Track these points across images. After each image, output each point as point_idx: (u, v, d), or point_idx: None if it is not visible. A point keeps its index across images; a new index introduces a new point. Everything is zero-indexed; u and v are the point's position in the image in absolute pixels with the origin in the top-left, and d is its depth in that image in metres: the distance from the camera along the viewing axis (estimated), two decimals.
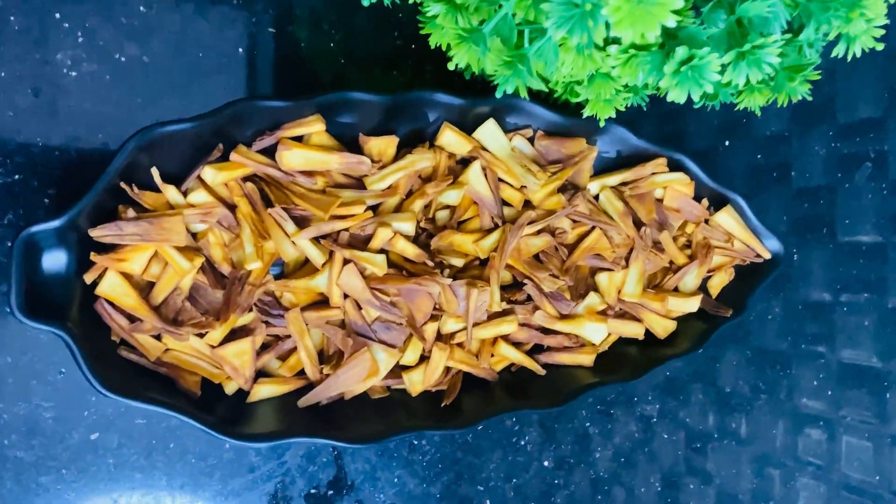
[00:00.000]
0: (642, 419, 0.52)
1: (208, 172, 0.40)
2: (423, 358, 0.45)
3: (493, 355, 0.46)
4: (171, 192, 0.40)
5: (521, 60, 0.35)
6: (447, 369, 0.45)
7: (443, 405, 0.44)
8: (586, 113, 0.42)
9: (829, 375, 0.54)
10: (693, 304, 0.48)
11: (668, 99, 0.37)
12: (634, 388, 0.52)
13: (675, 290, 0.49)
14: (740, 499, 0.53)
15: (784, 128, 0.54)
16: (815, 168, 0.54)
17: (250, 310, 0.41)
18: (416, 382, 0.44)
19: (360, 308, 0.42)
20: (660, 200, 0.49)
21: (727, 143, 0.53)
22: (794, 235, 0.54)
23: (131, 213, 0.39)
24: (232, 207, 0.41)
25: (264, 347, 0.43)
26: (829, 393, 0.53)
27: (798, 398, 0.53)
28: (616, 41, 0.37)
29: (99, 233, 0.38)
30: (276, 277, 0.43)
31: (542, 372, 0.47)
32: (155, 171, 0.39)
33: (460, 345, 0.45)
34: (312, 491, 0.46)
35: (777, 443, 0.54)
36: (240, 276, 0.40)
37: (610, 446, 0.51)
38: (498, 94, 0.37)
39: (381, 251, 0.43)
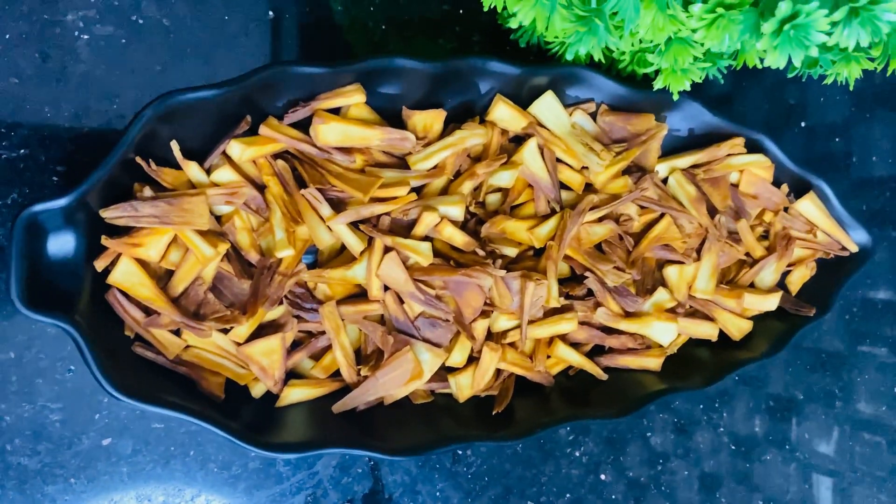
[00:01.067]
0: (710, 429, 0.47)
1: (235, 148, 0.36)
2: (472, 359, 0.40)
3: (549, 357, 0.41)
4: (192, 169, 0.36)
5: (599, 16, 0.30)
6: (498, 372, 0.40)
7: (494, 413, 0.39)
8: (658, 84, 0.38)
9: (888, 380, 0.49)
10: (772, 302, 0.43)
11: (766, 64, 0.32)
12: (701, 395, 0.47)
13: (752, 285, 0.44)
14: None
15: (846, 114, 0.48)
16: (881, 156, 0.49)
17: (280, 303, 0.37)
18: (464, 387, 0.40)
19: (402, 302, 0.38)
20: (735, 185, 0.44)
21: (817, 128, 0.48)
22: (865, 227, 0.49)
23: (148, 191, 0.34)
24: (261, 188, 0.37)
25: (295, 345, 0.38)
26: (889, 399, 0.48)
27: (856, 403, 0.48)
28: None
29: (111, 213, 0.33)
30: (310, 267, 0.38)
31: (604, 377, 0.42)
32: (175, 145, 0.35)
33: (513, 345, 0.40)
34: None
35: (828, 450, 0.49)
36: (269, 265, 0.36)
37: (674, 459, 0.46)
38: (569, 56, 0.32)
39: (426, 238, 0.38)
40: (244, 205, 0.36)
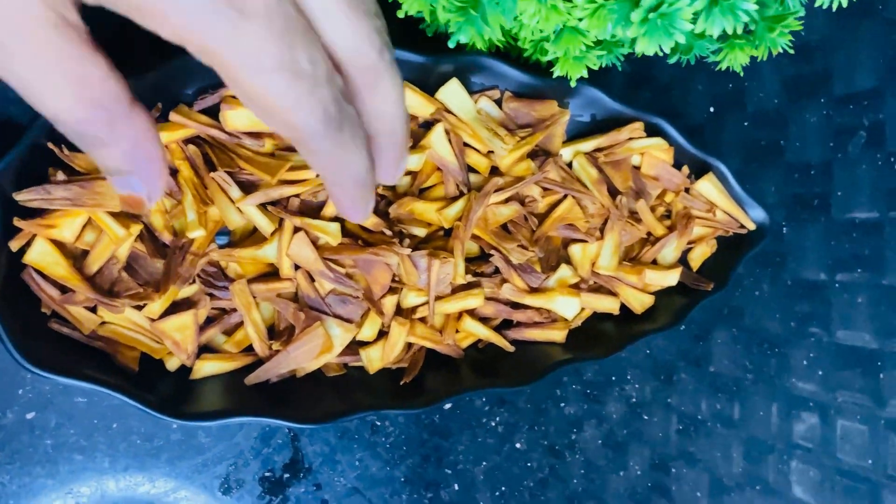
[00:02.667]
0: (622, 400, 0.50)
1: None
2: (382, 334, 0.42)
3: (458, 331, 0.44)
4: None
5: (475, 6, 0.33)
6: (408, 346, 0.43)
7: (402, 383, 0.42)
8: (556, 72, 0.40)
9: (823, 356, 0.52)
10: (672, 278, 0.46)
11: (636, 51, 0.35)
12: (614, 367, 0.50)
13: (654, 262, 0.47)
14: (727, 483, 0.51)
15: (777, 99, 0.51)
16: (810, 141, 0.52)
17: (193, 281, 0.39)
18: (374, 359, 0.42)
19: (312, 280, 0.40)
20: (637, 168, 0.46)
21: (718, 114, 0.50)
22: (787, 211, 0.51)
23: (61, 175, 0.37)
24: (173, 172, 0.39)
25: (209, 322, 0.40)
26: (823, 374, 0.51)
27: (791, 380, 0.51)
28: None
29: (25, 196, 0.35)
30: (225, 248, 0.40)
31: (511, 348, 0.44)
32: None
33: (423, 320, 0.43)
34: (267, 474, 0.44)
35: (770, 426, 0.51)
36: (181, 245, 0.38)
37: (588, 428, 0.49)
38: (450, 44, 0.34)
39: (335, 219, 0.40)
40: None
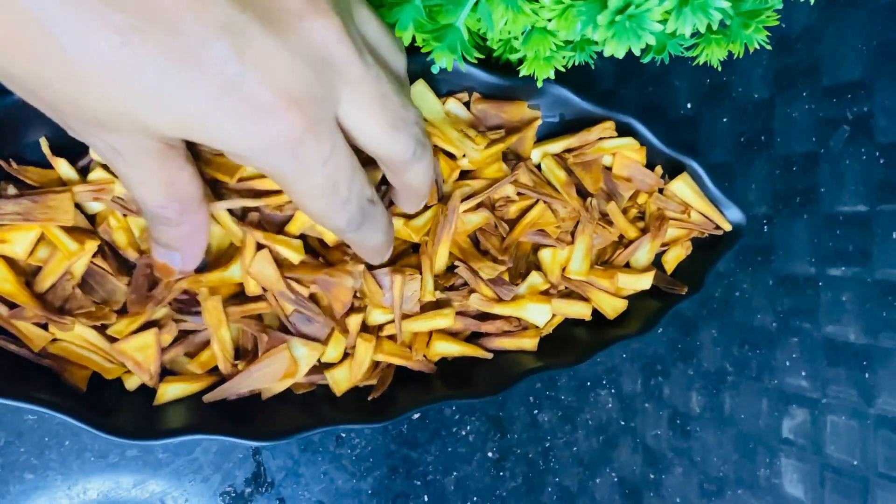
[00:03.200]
0: (598, 405, 0.49)
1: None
2: (348, 354, 0.41)
3: (428, 345, 0.42)
4: (62, 167, 0.37)
5: (452, 32, 0.32)
6: (376, 363, 0.41)
7: (370, 398, 0.40)
8: (523, 72, 0.39)
9: (811, 352, 0.51)
10: (645, 281, 0.45)
11: (606, 53, 0.34)
12: (590, 371, 0.48)
13: (627, 266, 0.46)
14: (716, 481, 0.50)
15: (758, 93, 0.50)
16: (794, 135, 0.50)
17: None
18: (340, 381, 0.41)
19: (276, 300, 0.39)
20: (608, 168, 0.45)
21: (698, 110, 0.49)
22: (772, 205, 0.50)
23: (12, 190, 0.35)
24: None
25: (173, 342, 0.39)
26: (812, 370, 0.50)
27: (781, 376, 0.50)
28: None
29: None
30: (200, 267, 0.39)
31: (489, 356, 0.43)
32: (44, 142, 0.36)
33: (391, 337, 0.41)
34: (228, 489, 0.43)
35: (759, 422, 0.50)
36: (149, 263, 0.37)
37: (562, 434, 0.48)
38: (434, 70, 0.33)
39: (301, 236, 0.39)
40: (121, 205, 0.37)
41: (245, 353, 0.40)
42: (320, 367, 0.41)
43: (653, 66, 0.48)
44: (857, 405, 0.51)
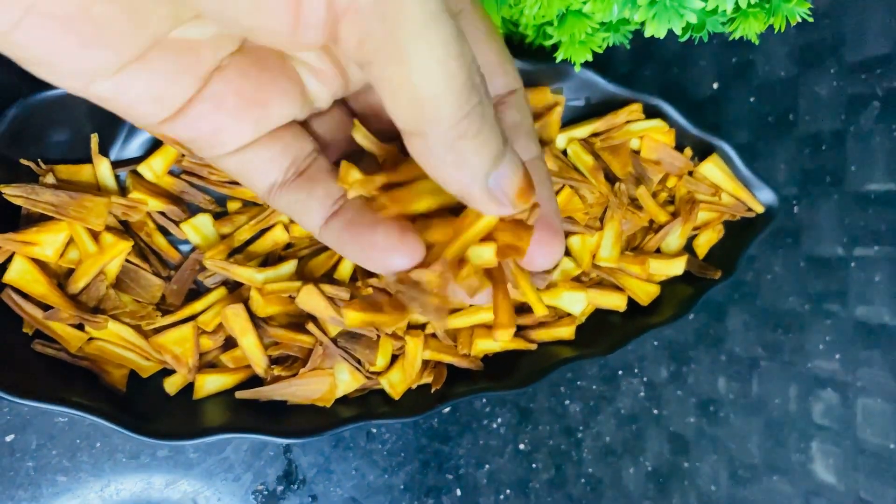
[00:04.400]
0: (630, 393, 0.48)
1: (146, 171, 0.37)
2: (395, 358, 0.41)
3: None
4: (103, 168, 0.37)
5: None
6: (424, 364, 0.41)
7: (433, 391, 0.40)
8: (559, 57, 0.38)
9: (842, 335, 0.50)
10: (678, 267, 0.45)
11: (646, 34, 0.33)
12: (621, 359, 0.48)
13: (657, 251, 0.46)
14: (748, 467, 0.50)
15: (783, 71, 0.49)
16: (820, 113, 0.50)
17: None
18: (396, 384, 0.41)
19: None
20: (636, 152, 0.45)
21: (723, 89, 0.48)
22: (799, 186, 0.49)
23: (51, 178, 0.35)
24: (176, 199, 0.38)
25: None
26: (842, 353, 0.50)
27: (811, 360, 0.50)
28: None
29: (11, 191, 0.35)
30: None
31: (534, 346, 0.43)
32: (94, 139, 0.37)
33: (434, 336, 0.41)
34: (259, 487, 0.43)
35: (792, 407, 0.50)
36: (198, 259, 0.38)
37: (595, 424, 0.48)
38: None
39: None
40: (162, 215, 0.38)
41: (284, 359, 0.40)
42: (373, 375, 0.41)
43: (673, 45, 0.47)
44: (889, 388, 0.50)
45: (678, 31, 0.33)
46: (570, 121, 0.44)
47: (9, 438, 0.39)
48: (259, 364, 0.39)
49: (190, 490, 0.42)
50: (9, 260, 0.35)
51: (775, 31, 0.45)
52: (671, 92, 0.48)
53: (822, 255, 0.51)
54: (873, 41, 0.50)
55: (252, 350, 0.38)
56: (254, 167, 0.25)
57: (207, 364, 0.40)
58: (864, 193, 0.51)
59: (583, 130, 0.43)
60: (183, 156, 0.38)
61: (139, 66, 0.20)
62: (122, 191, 0.38)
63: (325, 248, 0.40)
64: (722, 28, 0.38)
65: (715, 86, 0.49)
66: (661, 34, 0.33)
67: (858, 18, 0.50)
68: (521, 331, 0.44)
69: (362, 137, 0.24)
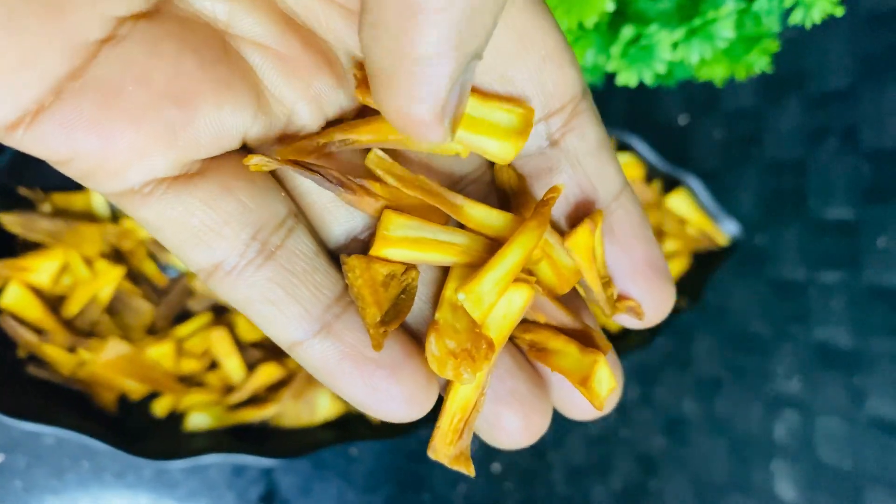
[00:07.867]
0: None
1: None
2: None
3: None
4: (97, 196, 0.40)
5: None
6: None
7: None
8: None
9: (802, 357, 0.54)
10: None
11: (618, 83, 0.37)
12: None
13: None
14: (712, 485, 0.54)
15: (751, 101, 0.53)
16: (785, 142, 0.54)
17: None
18: None
19: None
20: None
21: (691, 118, 0.53)
22: (765, 213, 0.54)
23: (48, 207, 0.38)
24: None
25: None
26: (804, 373, 0.54)
27: (773, 381, 0.54)
28: None
29: (9, 219, 0.37)
30: None
31: None
32: None
33: None
34: None
35: (753, 427, 0.54)
36: (186, 286, 0.41)
37: (564, 446, 0.52)
38: None
39: None
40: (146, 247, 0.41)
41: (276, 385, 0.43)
42: None
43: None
44: (848, 408, 0.54)
45: (648, 81, 0.37)
46: None
47: None
48: (240, 388, 0.42)
49: None
50: (5, 285, 0.38)
51: (737, 80, 0.50)
52: (640, 124, 0.52)
53: (785, 279, 0.55)
54: (834, 76, 0.55)
55: (236, 373, 0.42)
56: (182, 228, 0.16)
57: (195, 383, 0.43)
58: (824, 220, 0.55)
59: None
60: None
61: None
62: (115, 218, 0.41)
63: None
64: (688, 74, 0.43)
65: (679, 117, 0.53)
66: (633, 83, 0.37)
67: (820, 54, 0.54)
68: None
69: (380, 166, 0.18)
